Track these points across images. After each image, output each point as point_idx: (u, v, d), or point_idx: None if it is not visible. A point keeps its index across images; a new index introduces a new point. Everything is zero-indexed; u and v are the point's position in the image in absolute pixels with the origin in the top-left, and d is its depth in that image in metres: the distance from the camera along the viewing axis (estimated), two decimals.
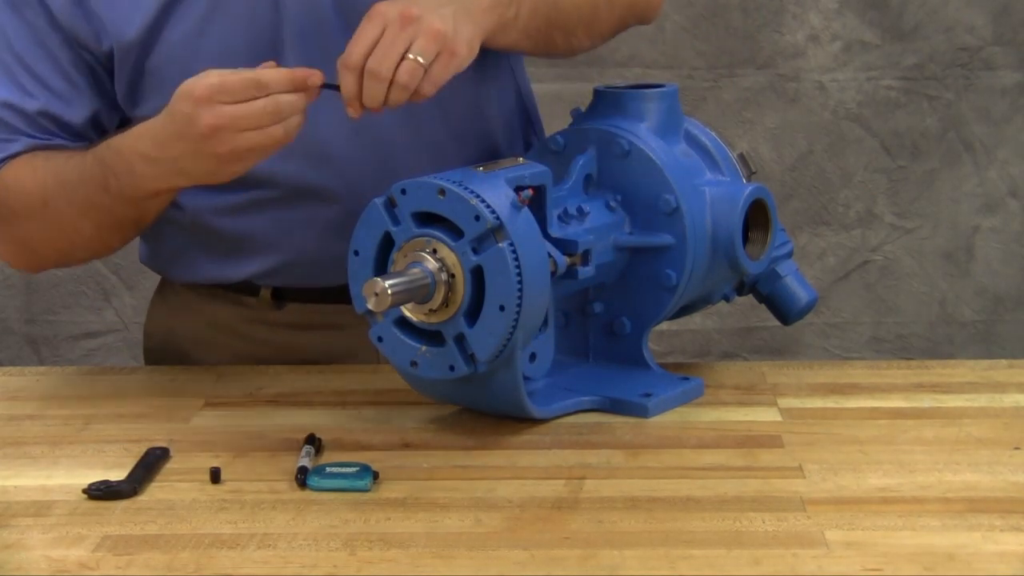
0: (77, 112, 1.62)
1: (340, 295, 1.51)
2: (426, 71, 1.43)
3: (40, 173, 1.59)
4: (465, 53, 1.45)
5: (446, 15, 1.44)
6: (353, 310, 1.45)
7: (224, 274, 1.70)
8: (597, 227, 1.52)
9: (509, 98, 1.73)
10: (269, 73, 1.45)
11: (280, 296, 1.71)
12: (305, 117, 1.46)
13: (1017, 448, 1.42)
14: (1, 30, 1.62)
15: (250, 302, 1.72)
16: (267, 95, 1.43)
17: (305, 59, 1.56)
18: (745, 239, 1.57)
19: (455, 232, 1.40)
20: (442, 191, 1.40)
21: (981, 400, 1.55)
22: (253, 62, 1.49)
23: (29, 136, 1.61)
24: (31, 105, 1.61)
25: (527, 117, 1.77)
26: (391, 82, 1.42)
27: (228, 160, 1.46)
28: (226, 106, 1.43)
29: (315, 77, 1.45)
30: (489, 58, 1.62)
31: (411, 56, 1.42)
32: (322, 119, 1.55)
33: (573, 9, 1.60)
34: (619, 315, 1.58)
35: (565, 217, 1.50)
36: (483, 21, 1.49)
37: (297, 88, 1.44)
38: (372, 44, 1.42)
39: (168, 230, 1.69)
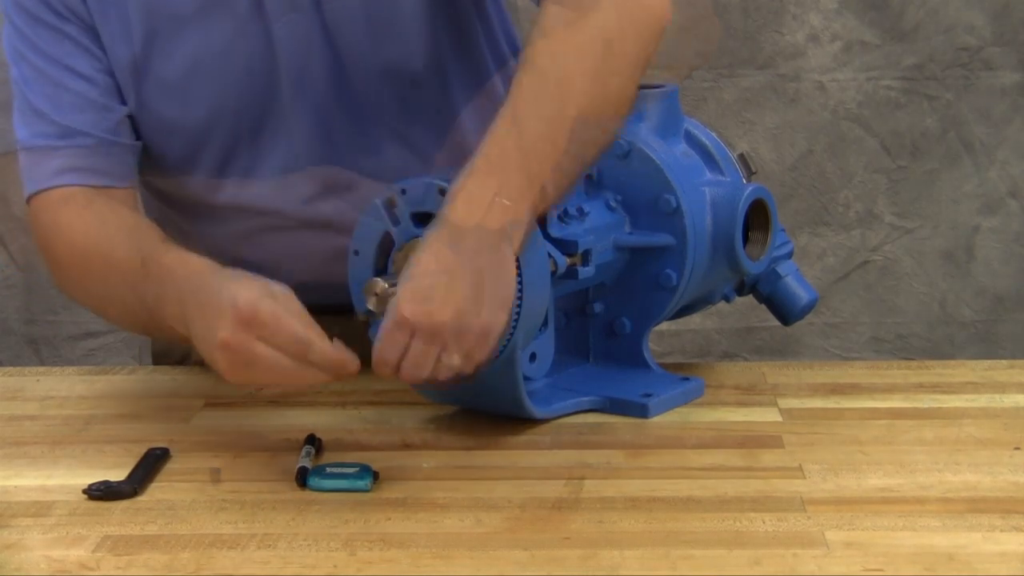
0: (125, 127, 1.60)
1: (343, 310, 1.49)
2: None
3: (92, 237, 1.53)
4: (500, 328, 1.35)
5: (477, 290, 1.33)
6: (354, 323, 1.43)
7: None
8: (597, 227, 1.51)
9: None
10: (320, 344, 1.32)
11: None
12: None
13: (1017, 448, 1.42)
14: (36, 46, 1.57)
15: None
16: (302, 361, 1.32)
17: (304, 110, 1.57)
18: (745, 239, 1.57)
19: None
20: (442, 191, 1.40)
21: (981, 400, 1.55)
22: (250, 104, 1.51)
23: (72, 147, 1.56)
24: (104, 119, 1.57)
25: None
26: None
27: (229, 373, 1.34)
28: (258, 342, 1.31)
29: (353, 366, 1.33)
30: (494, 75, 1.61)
31: (445, 361, 1.33)
32: (335, 158, 1.53)
33: (601, 120, 1.44)
34: (619, 315, 1.58)
35: (565, 217, 1.50)
36: (517, 238, 1.37)
37: (333, 374, 1.33)
38: (402, 352, 1.32)
39: None
